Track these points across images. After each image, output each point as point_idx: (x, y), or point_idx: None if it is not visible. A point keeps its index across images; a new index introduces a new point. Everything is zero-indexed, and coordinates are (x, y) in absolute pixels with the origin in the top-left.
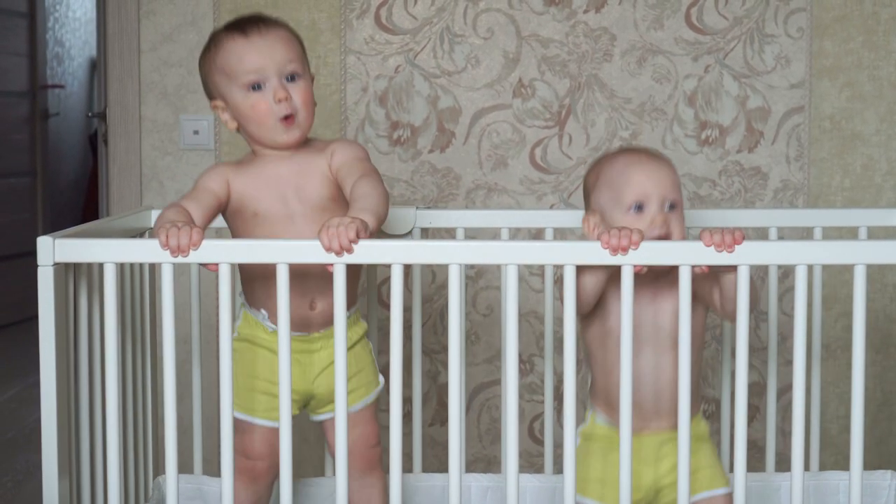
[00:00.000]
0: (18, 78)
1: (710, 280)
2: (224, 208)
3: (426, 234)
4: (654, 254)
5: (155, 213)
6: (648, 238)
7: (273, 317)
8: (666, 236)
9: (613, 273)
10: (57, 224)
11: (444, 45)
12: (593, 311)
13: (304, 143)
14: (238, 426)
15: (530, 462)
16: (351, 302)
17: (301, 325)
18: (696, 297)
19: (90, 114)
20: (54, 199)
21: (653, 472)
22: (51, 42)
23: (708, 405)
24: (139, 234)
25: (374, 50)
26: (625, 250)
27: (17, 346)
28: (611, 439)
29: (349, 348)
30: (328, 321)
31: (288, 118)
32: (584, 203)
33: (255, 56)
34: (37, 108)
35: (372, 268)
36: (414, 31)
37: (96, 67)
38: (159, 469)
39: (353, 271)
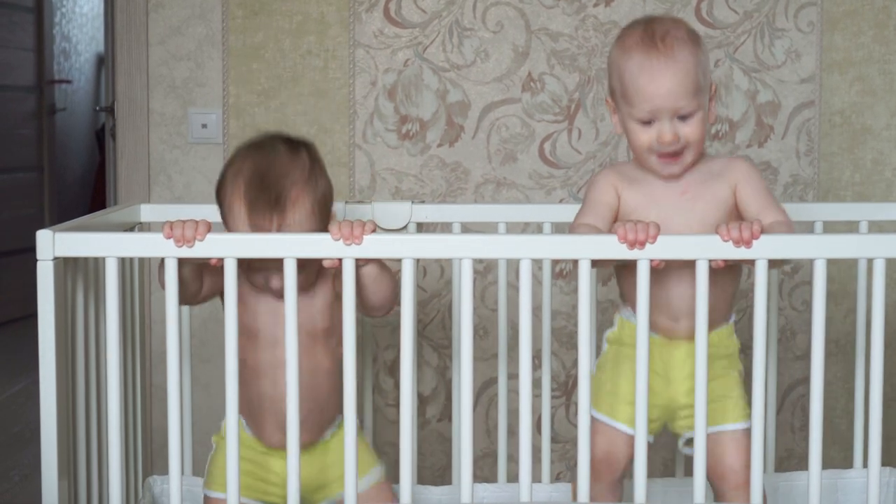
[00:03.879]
0: (25, 73)
1: (746, 196)
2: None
3: (421, 228)
4: (671, 248)
5: (145, 208)
6: (661, 151)
7: (251, 424)
8: (680, 151)
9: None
10: (63, 219)
11: (454, 39)
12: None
13: None
14: None
15: (538, 458)
16: (339, 408)
17: (282, 446)
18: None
19: (98, 108)
20: (61, 195)
21: (670, 391)
22: (58, 37)
23: None
24: (130, 228)
25: (383, 43)
26: (642, 244)
27: (25, 341)
28: (629, 342)
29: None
30: (313, 441)
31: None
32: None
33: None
34: (43, 103)
35: None
36: (423, 25)
37: (103, 62)
38: (149, 469)
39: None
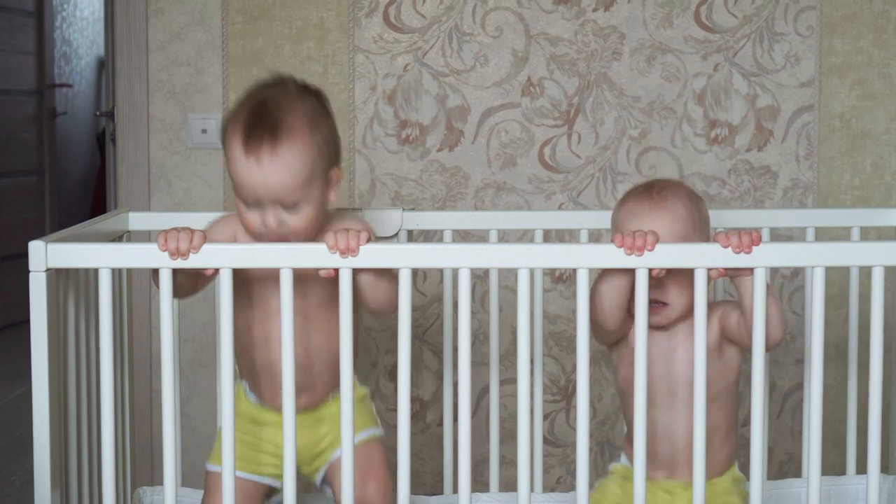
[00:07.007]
0: (26, 77)
1: (734, 311)
2: None
3: (412, 236)
4: (669, 256)
5: (134, 217)
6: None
7: (253, 387)
8: (657, 300)
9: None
10: (64, 223)
11: (453, 44)
12: (622, 357)
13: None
14: (214, 484)
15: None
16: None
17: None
18: (728, 338)
19: (98, 112)
20: (62, 199)
21: None
22: (58, 41)
23: None
24: (118, 237)
25: (383, 48)
26: (640, 250)
27: (27, 345)
28: (630, 478)
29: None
30: (315, 404)
31: (280, 239)
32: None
33: (253, 181)
34: (44, 106)
35: None
36: (422, 30)
37: (104, 66)
38: (137, 481)
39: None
